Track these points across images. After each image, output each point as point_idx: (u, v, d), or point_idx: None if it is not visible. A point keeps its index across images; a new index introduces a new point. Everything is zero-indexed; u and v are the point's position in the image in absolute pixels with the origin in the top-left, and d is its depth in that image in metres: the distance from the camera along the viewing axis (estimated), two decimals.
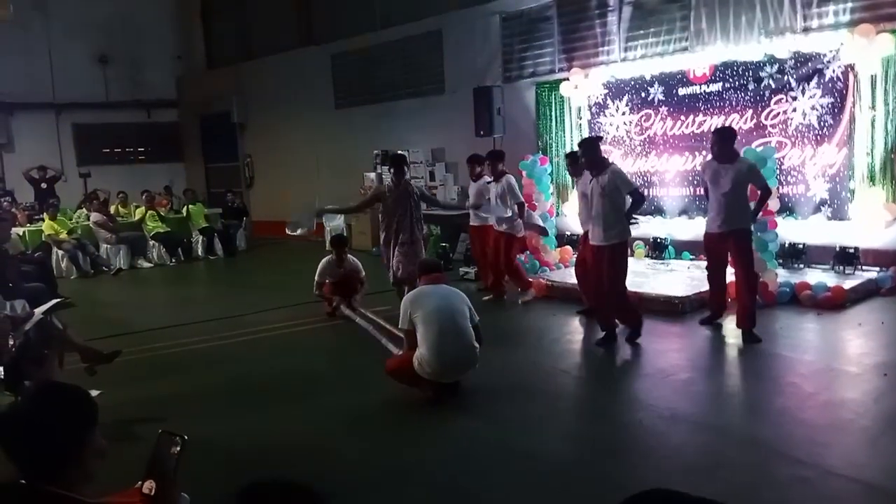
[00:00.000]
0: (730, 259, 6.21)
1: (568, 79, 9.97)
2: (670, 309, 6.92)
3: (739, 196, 6.05)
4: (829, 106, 7.76)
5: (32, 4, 15.97)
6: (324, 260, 7.63)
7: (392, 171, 7.35)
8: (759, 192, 6.27)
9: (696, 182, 8.94)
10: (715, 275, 6.40)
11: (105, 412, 1.93)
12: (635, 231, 6.52)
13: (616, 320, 6.13)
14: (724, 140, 6.10)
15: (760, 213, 6.48)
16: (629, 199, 5.94)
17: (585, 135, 9.96)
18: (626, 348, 5.95)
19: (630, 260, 8.41)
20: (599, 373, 5.71)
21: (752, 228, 6.26)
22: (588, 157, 6.04)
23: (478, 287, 8.43)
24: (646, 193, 8.19)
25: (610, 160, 6.48)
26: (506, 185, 7.74)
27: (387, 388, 5.04)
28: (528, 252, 8.81)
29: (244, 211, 14.87)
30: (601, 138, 7.10)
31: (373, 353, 6.03)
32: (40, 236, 11.78)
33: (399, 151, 7.77)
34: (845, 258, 7.60)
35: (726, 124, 8.48)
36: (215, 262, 13.00)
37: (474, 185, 8.44)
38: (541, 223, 8.49)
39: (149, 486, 1.95)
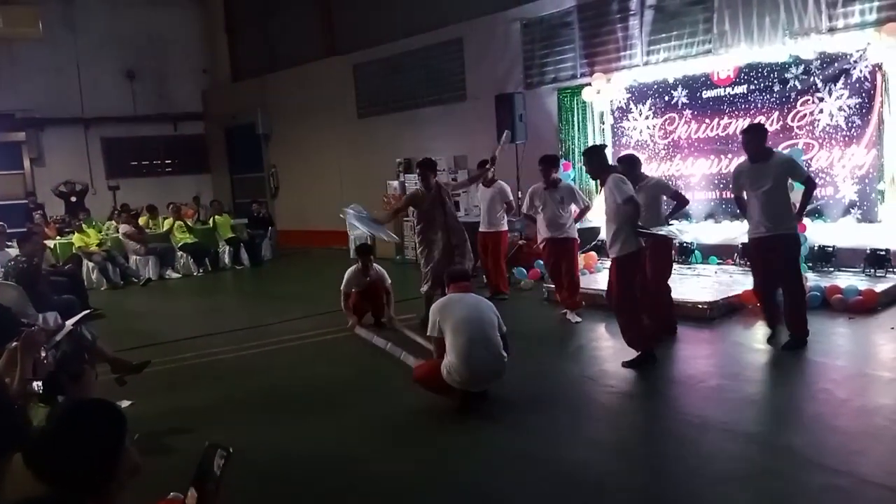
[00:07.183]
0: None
1: (590, 84, 9.93)
2: (698, 314, 6.84)
3: (782, 194, 5.70)
4: (857, 106, 7.64)
5: (61, 22, 16.34)
6: (350, 269, 7.63)
7: (419, 178, 7.36)
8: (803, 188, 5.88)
9: (721, 185, 8.86)
10: (765, 282, 5.93)
11: (135, 423, 1.95)
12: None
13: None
14: (756, 138, 5.73)
15: (807, 208, 6.07)
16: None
17: (609, 140, 9.93)
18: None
19: None
20: (627, 380, 5.64)
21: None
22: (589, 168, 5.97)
23: (488, 295, 7.76)
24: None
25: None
26: (566, 190, 7.46)
27: (414, 396, 5.04)
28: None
29: (269, 221, 15.02)
30: (604, 146, 6.77)
31: (399, 361, 6.05)
32: (71, 248, 11.99)
33: (428, 157, 7.71)
34: (876, 261, 7.47)
35: None
36: (242, 272, 13.16)
37: (486, 191, 8.36)
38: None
39: (191, 496, 1.96)
